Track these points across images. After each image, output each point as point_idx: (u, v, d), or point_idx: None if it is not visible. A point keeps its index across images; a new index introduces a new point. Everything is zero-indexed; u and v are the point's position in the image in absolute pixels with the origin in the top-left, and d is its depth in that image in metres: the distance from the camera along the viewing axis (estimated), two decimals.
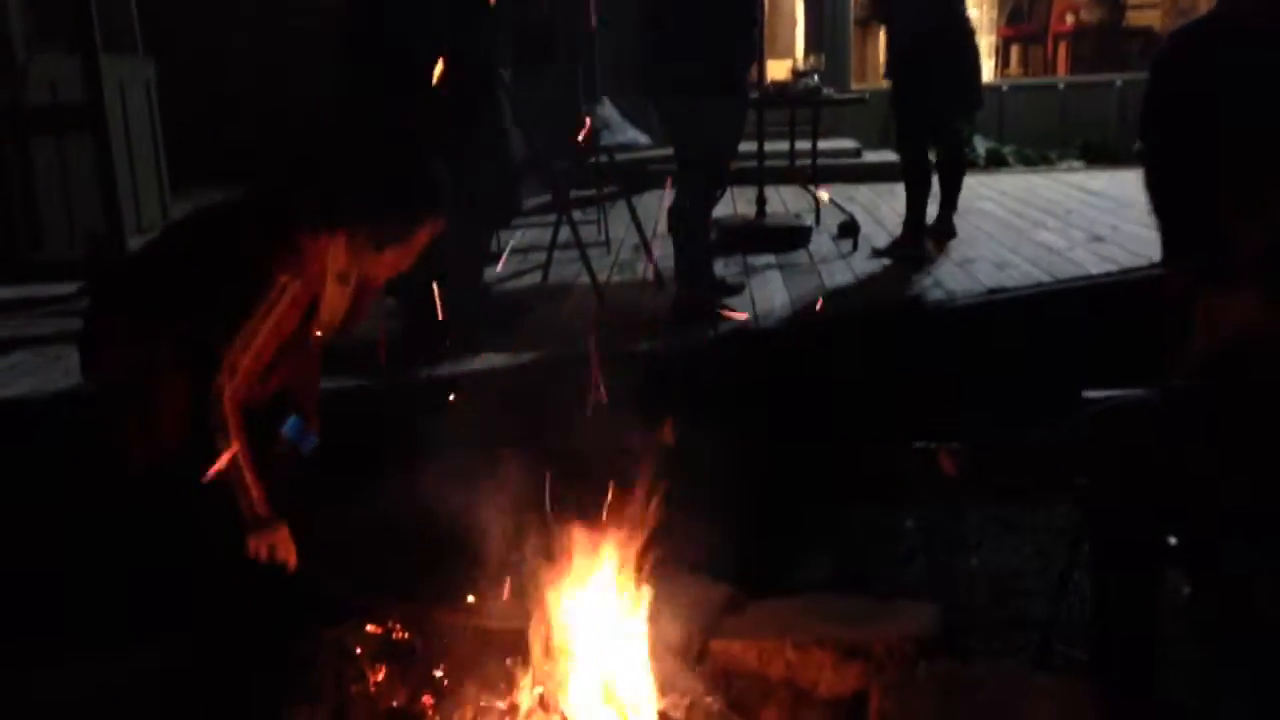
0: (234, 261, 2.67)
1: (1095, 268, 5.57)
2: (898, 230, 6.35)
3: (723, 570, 3.41)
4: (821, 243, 6.64)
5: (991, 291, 5.32)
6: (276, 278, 2.65)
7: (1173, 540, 3.07)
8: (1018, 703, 2.64)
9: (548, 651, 2.74)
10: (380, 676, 2.70)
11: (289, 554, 2.72)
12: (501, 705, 2.63)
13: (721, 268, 5.73)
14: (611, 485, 2.70)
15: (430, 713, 2.63)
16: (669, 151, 5.34)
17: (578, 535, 2.71)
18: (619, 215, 6.78)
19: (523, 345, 4.70)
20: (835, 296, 5.40)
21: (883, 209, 7.59)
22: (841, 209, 6.69)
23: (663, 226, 6.76)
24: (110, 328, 2.77)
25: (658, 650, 2.84)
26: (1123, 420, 3.21)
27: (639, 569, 2.75)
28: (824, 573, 4.07)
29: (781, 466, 4.28)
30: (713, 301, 5.17)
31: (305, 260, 2.69)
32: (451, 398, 3.76)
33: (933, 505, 4.46)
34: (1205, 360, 2.98)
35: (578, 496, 2.79)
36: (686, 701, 2.71)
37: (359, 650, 2.75)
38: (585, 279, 5.59)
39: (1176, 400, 3.04)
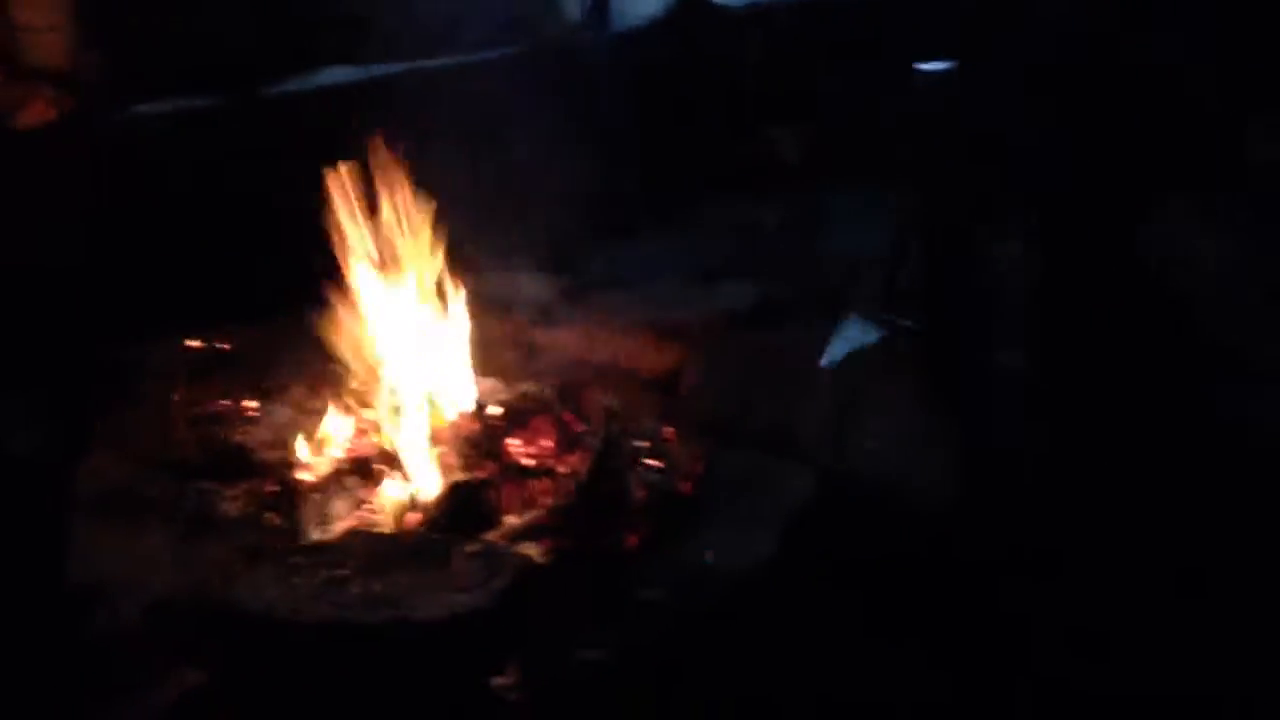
0: None
1: None
2: None
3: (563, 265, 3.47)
4: None
5: None
6: None
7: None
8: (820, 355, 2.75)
9: (366, 353, 2.81)
10: (202, 383, 2.76)
11: None
12: (319, 406, 2.70)
13: None
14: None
15: (253, 414, 2.71)
16: None
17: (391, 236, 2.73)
18: None
19: None
20: None
21: None
22: None
23: None
24: None
25: (489, 343, 2.91)
26: (945, 89, 3.22)
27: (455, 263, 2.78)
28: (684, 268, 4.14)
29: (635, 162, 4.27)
30: None
31: None
32: None
33: (792, 194, 4.48)
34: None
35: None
36: (515, 390, 2.80)
37: (182, 358, 2.78)
38: None
39: (998, 67, 3.04)
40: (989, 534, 2.37)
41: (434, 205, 2.74)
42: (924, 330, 3.42)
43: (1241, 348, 2.55)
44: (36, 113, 2.64)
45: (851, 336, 3.09)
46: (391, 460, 2.58)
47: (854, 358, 2.94)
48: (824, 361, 2.86)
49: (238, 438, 2.57)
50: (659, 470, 2.42)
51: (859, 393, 2.69)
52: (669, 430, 2.51)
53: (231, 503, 2.40)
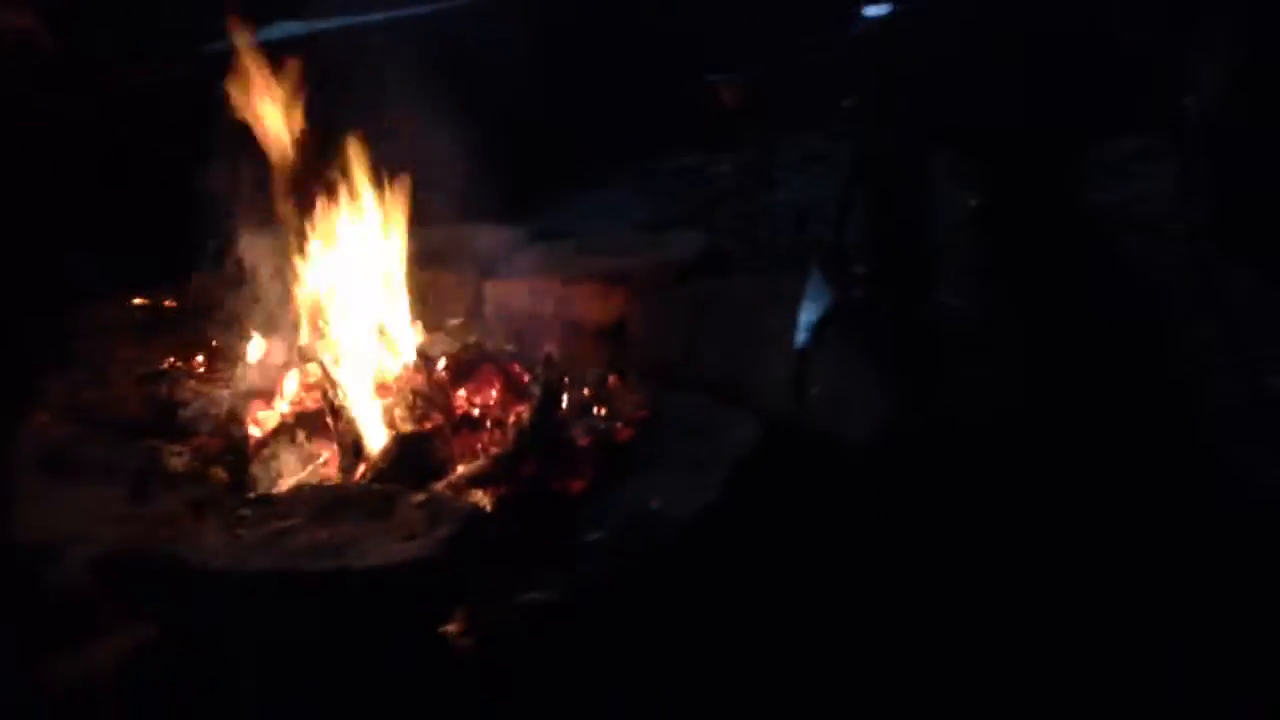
0: None
1: None
2: None
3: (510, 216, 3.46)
4: None
5: None
6: None
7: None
8: (767, 303, 2.76)
9: (313, 307, 2.80)
10: (148, 341, 2.75)
11: None
12: (266, 361, 2.69)
13: None
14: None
15: (201, 370, 2.70)
16: None
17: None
18: None
19: None
20: None
21: None
22: None
23: None
24: None
25: (436, 294, 2.91)
26: (881, 37, 3.22)
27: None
28: (632, 218, 4.14)
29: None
30: None
31: None
32: None
33: (742, 144, 4.49)
34: None
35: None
36: (462, 341, 2.81)
37: (127, 316, 2.77)
38: None
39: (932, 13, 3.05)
40: (931, 481, 2.40)
41: (384, 158, 2.74)
42: (870, 277, 3.45)
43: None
44: None
45: (812, 293, 3.10)
46: (339, 414, 2.58)
47: (811, 309, 2.95)
48: (799, 338, 2.84)
49: (184, 395, 2.56)
50: (603, 417, 2.44)
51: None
52: (614, 378, 2.53)
53: (178, 459, 2.40)
